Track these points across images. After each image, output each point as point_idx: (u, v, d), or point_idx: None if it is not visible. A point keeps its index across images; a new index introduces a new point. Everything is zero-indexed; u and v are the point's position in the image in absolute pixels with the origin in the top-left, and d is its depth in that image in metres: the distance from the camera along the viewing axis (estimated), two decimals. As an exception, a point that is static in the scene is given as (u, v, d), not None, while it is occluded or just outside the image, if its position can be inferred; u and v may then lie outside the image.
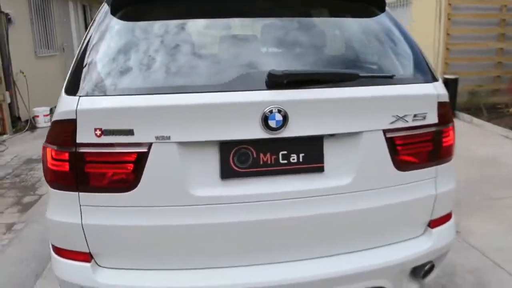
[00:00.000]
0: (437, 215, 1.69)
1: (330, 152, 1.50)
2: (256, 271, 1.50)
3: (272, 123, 1.39)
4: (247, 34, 1.75)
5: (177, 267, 1.50)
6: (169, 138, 1.37)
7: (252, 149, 1.45)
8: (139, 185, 1.40)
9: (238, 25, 1.76)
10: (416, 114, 1.54)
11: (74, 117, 1.37)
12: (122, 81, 1.44)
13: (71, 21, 9.36)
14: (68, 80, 1.49)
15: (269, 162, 1.46)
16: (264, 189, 1.45)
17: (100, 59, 1.49)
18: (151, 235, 1.46)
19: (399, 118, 1.51)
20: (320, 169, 1.49)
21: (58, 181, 1.45)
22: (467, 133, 5.59)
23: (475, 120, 6.14)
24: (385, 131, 1.51)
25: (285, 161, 1.47)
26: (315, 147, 1.49)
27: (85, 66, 1.48)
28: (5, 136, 6.08)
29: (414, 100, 1.56)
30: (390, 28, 1.73)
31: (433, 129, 1.58)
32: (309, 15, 1.77)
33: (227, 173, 1.44)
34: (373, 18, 1.76)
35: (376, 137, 1.51)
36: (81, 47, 1.57)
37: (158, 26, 1.62)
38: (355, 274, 1.53)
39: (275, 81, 1.40)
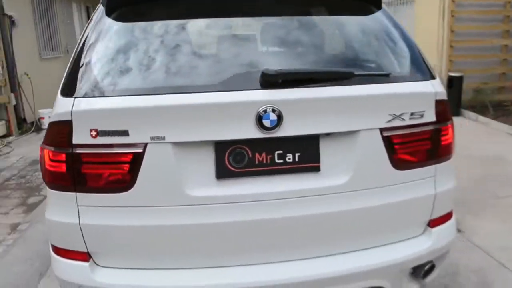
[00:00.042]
0: (436, 214, 1.67)
1: (326, 151, 1.49)
2: (252, 271, 1.49)
3: (266, 123, 1.38)
4: (242, 33, 1.74)
5: (174, 266, 1.50)
6: (164, 138, 1.38)
7: (248, 149, 1.44)
8: (135, 185, 1.41)
9: (232, 24, 1.75)
10: (414, 112, 1.52)
11: (69, 118, 1.38)
12: (117, 82, 1.45)
13: (75, 23, 9.42)
14: (63, 81, 1.50)
15: (264, 162, 1.45)
16: (259, 189, 1.45)
17: (94, 60, 1.49)
18: (147, 235, 1.46)
19: (396, 117, 1.50)
20: (316, 169, 1.48)
21: (56, 181, 1.47)
22: (473, 131, 5.55)
23: (481, 118, 6.08)
24: (382, 130, 1.50)
25: (281, 161, 1.46)
26: (311, 146, 1.48)
27: (80, 67, 1.48)
28: (11, 138, 6.14)
29: (411, 98, 1.54)
30: (387, 26, 1.71)
31: (431, 127, 1.57)
32: (304, 13, 1.76)
33: (222, 173, 1.44)
34: (370, 16, 1.75)
35: (373, 136, 1.49)
36: (76, 49, 1.58)
37: (152, 27, 1.62)
38: (351, 274, 1.52)
39: (269, 81, 1.39)
